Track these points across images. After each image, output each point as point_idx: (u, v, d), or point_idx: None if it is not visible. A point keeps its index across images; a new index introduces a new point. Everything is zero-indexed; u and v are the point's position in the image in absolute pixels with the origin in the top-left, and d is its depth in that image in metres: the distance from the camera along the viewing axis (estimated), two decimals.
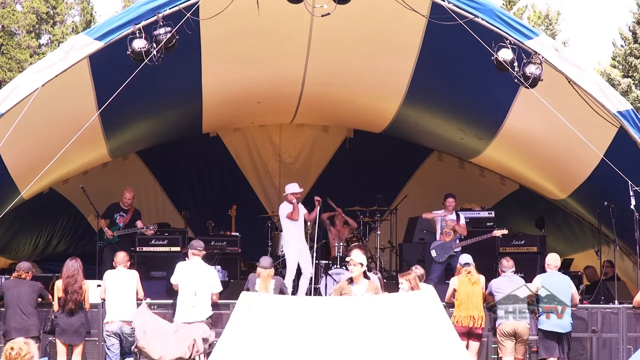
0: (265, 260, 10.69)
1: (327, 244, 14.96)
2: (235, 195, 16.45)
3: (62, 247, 16.49)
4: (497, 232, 13.58)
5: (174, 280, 10.61)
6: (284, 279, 12.55)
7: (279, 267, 13.81)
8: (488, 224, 14.63)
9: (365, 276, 9.57)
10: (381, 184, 16.05)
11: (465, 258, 10.92)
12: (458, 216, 13.73)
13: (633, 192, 10.80)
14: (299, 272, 13.34)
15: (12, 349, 5.76)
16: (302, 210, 13.17)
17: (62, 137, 10.63)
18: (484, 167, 16.35)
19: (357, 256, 9.63)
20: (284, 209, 13.11)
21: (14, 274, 10.75)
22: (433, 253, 13.50)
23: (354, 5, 9.98)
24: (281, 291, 10.73)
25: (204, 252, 10.84)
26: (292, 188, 13.23)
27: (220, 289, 10.73)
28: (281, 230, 15.10)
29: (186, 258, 11.22)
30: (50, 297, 10.76)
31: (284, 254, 14.22)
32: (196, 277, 10.48)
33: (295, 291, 12.88)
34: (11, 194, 11.50)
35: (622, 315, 11.08)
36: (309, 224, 13.37)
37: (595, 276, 14.33)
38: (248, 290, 10.65)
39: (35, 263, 15.79)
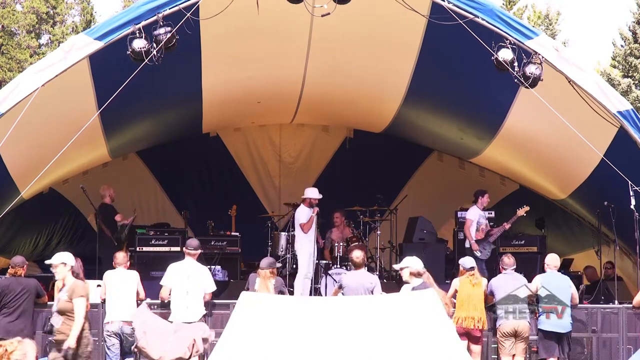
0: (265, 261, 10.69)
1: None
2: (235, 195, 16.45)
3: (62, 247, 16.47)
4: (521, 211, 13.62)
5: (163, 281, 10.50)
6: (285, 279, 12.57)
7: (280, 267, 13.80)
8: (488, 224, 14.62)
9: (75, 276, 9.28)
10: (381, 184, 16.05)
11: (469, 262, 10.88)
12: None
13: (633, 192, 10.80)
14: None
15: (0, 345, 5.73)
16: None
17: (62, 137, 10.63)
18: (484, 167, 16.35)
19: (56, 257, 9.23)
20: (301, 215, 13.25)
21: (9, 271, 10.65)
22: (477, 254, 13.35)
23: (354, 5, 9.98)
24: (280, 292, 10.72)
25: (198, 253, 10.67)
26: (312, 193, 13.34)
27: (214, 288, 10.60)
28: (282, 230, 15.16)
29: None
30: (45, 296, 10.73)
31: (283, 255, 14.25)
32: (187, 277, 10.39)
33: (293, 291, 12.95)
34: (11, 194, 11.50)
35: (622, 315, 11.08)
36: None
37: (595, 276, 14.33)
38: (248, 290, 10.63)
39: (35, 263, 15.81)
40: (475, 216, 13.69)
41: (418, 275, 9.98)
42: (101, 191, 14.19)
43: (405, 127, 15.19)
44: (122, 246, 13.69)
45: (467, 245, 13.64)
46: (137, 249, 13.89)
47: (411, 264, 10.05)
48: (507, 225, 13.78)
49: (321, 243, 14.56)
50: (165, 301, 10.54)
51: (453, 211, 15.43)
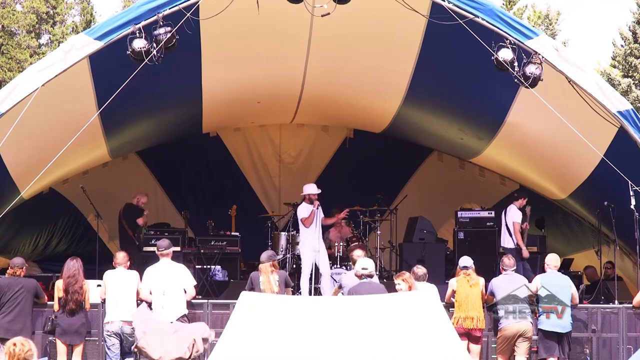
0: (265, 255, 10.67)
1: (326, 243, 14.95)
2: (235, 195, 16.45)
3: (62, 247, 16.49)
4: (527, 210, 13.84)
5: (141, 285, 10.51)
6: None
7: (279, 265, 13.78)
8: (488, 223, 14.64)
9: None
10: (381, 184, 16.05)
11: (465, 261, 10.86)
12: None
13: (633, 192, 10.80)
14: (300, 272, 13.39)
15: (14, 345, 5.77)
16: (320, 214, 13.15)
17: (62, 137, 10.63)
18: (484, 167, 16.35)
19: None
20: (302, 210, 13.13)
21: (8, 271, 10.65)
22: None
23: (354, 5, 9.98)
24: (286, 283, 10.66)
25: (170, 252, 10.69)
26: (311, 189, 13.22)
27: (193, 283, 10.59)
28: (282, 230, 15.15)
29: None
30: (45, 296, 10.74)
31: (284, 255, 14.24)
32: (161, 279, 10.41)
33: (299, 290, 12.92)
34: (11, 194, 11.50)
35: (622, 315, 11.08)
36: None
37: (595, 276, 14.33)
38: (252, 289, 10.51)
39: (35, 263, 15.82)
40: (520, 218, 13.73)
41: (362, 277, 10.06)
42: (136, 193, 14.71)
43: (405, 127, 15.19)
44: (141, 246, 13.81)
45: (509, 246, 13.66)
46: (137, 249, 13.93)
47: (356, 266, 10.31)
48: (527, 226, 13.94)
49: None
50: (142, 302, 10.50)
51: (453, 211, 15.41)
